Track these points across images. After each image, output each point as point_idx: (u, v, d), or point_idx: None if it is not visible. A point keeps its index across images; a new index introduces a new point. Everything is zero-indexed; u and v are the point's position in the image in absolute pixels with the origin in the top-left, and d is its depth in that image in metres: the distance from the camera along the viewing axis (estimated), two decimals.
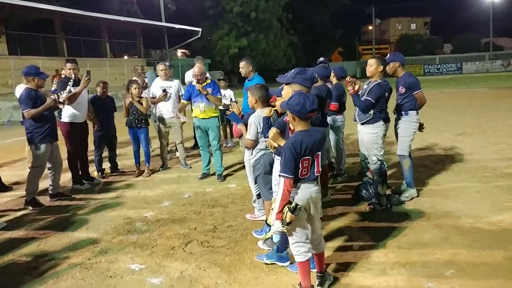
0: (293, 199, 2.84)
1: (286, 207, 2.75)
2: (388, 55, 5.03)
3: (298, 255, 2.97)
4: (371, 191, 4.75)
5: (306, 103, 2.79)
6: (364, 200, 4.82)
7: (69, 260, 3.82)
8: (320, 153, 2.95)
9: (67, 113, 6.01)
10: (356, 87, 4.60)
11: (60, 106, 5.56)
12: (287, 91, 3.30)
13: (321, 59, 6.98)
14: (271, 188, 3.91)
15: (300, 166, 2.84)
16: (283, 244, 3.51)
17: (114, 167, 7.15)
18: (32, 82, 5.32)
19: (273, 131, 3.07)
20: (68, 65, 6.04)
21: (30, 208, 5.36)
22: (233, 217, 4.67)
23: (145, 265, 3.65)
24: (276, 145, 3.08)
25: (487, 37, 50.76)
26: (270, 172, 3.87)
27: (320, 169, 2.97)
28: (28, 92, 5.23)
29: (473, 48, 51.67)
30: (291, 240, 2.99)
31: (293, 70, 3.39)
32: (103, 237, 4.32)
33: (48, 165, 5.57)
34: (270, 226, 3.46)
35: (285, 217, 2.74)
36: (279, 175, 2.82)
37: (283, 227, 2.75)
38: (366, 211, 4.64)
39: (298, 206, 2.79)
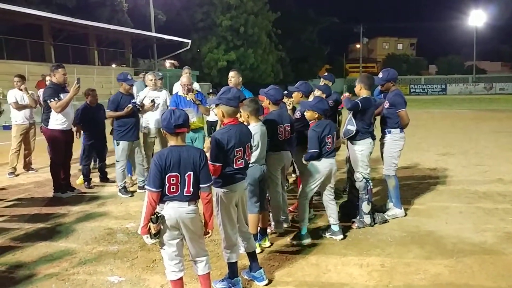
0: (160, 215, 2.84)
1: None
2: (381, 73, 5.00)
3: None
4: (356, 208, 4.75)
5: (171, 118, 2.82)
6: (349, 217, 4.81)
7: (46, 270, 3.70)
8: (191, 173, 2.86)
9: (54, 120, 5.85)
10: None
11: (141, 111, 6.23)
12: (217, 112, 3.36)
13: (325, 74, 6.64)
14: (257, 201, 3.89)
15: (167, 183, 2.81)
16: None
17: (104, 177, 7.04)
18: (121, 86, 6.09)
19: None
20: (61, 70, 5.83)
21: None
22: (216, 231, 4.58)
23: (125, 277, 3.57)
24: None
25: (470, 60, 52.04)
26: (257, 185, 3.86)
27: (191, 190, 2.90)
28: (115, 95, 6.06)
29: (457, 70, 52.93)
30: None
31: (221, 90, 3.39)
32: (82, 248, 4.21)
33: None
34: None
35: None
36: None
37: None
38: (350, 229, 4.62)
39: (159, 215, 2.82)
